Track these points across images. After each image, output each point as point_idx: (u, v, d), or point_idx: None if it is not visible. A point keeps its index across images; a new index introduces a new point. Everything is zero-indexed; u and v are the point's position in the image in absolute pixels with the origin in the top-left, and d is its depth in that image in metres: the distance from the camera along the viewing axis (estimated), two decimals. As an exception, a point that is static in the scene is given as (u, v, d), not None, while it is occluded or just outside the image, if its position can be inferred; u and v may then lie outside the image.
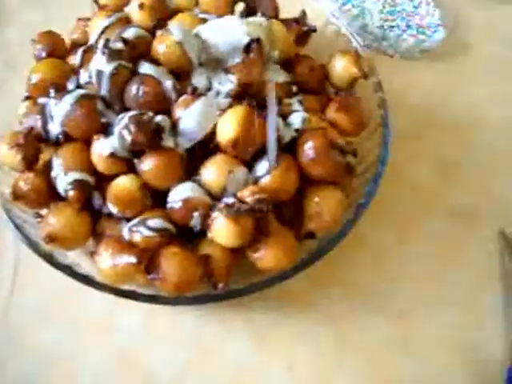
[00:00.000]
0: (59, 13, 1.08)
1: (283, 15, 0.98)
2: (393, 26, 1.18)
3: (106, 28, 0.88)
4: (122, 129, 0.76)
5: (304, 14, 0.97)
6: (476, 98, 1.14)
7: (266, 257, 0.77)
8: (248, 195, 0.75)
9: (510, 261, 0.93)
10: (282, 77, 0.88)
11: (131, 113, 0.77)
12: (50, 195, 0.82)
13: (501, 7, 1.27)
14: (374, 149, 0.90)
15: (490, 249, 0.96)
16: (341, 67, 0.93)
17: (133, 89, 0.79)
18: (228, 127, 0.76)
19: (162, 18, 0.90)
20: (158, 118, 0.77)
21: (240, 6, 0.92)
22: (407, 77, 1.14)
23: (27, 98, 0.91)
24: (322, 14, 1.03)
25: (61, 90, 0.84)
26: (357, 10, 1.19)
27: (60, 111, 0.81)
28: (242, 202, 0.75)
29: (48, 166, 0.82)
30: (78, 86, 0.86)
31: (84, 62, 0.87)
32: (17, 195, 0.81)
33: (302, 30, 0.95)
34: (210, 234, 0.77)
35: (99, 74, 0.81)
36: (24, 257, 0.90)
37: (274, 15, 0.96)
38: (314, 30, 0.97)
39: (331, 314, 0.89)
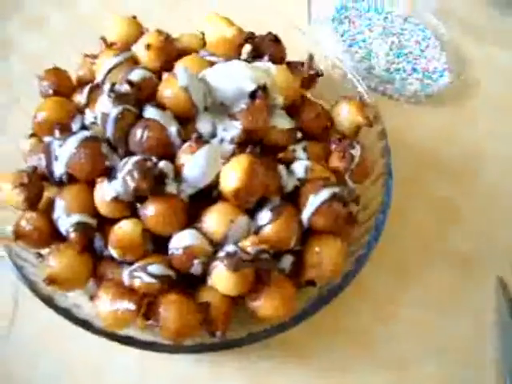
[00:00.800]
0: (62, 44, 1.07)
1: (290, 57, 0.98)
2: (399, 69, 1.18)
3: (113, 68, 0.88)
4: (126, 175, 0.76)
5: (311, 57, 0.97)
6: (479, 141, 1.14)
7: (265, 306, 0.77)
8: (249, 245, 0.75)
9: (507, 309, 0.92)
10: (286, 123, 0.88)
11: (135, 158, 0.77)
12: (51, 235, 0.82)
13: (506, 50, 1.28)
14: (376, 196, 0.90)
15: (489, 296, 0.95)
16: (345, 115, 0.93)
17: (137, 133, 0.80)
18: (231, 177, 0.76)
19: (168, 59, 0.90)
20: (162, 164, 0.77)
21: (247, 48, 0.92)
22: (411, 121, 1.14)
23: (32, 135, 0.91)
24: (328, 57, 1.03)
25: (66, 130, 0.84)
26: (363, 51, 1.20)
27: (64, 152, 0.81)
28: (243, 251, 0.75)
29: (50, 206, 0.82)
30: (83, 126, 0.86)
31: (90, 102, 0.87)
32: (18, 234, 0.81)
33: (308, 73, 0.95)
34: (210, 282, 0.77)
35: (104, 116, 0.81)
36: (23, 294, 0.89)
37: (281, 59, 0.96)
38: (321, 75, 0.97)
39: (331, 363, 0.88)
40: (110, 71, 0.88)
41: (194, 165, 0.77)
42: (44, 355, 0.87)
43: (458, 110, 1.19)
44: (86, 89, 0.89)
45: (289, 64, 0.95)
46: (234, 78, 0.83)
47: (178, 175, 0.79)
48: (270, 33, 0.97)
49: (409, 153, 1.04)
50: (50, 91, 0.92)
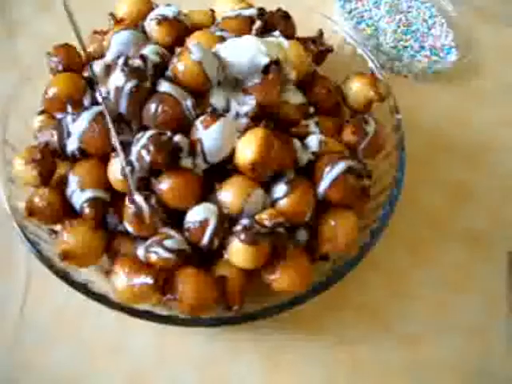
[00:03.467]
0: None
1: (299, 33, 0.98)
2: (406, 47, 1.18)
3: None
4: (141, 148, 0.76)
5: (321, 33, 0.97)
6: (488, 120, 1.14)
7: (282, 279, 0.77)
8: (267, 218, 0.75)
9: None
10: (298, 98, 0.88)
11: (150, 132, 0.77)
12: (64, 211, 0.81)
13: (512, 30, 1.28)
14: (388, 172, 0.90)
15: (501, 273, 0.96)
16: (357, 89, 0.93)
17: (151, 107, 0.79)
18: (248, 150, 0.76)
19: (180, 34, 0.89)
20: (177, 138, 0.77)
21: (257, 24, 0.91)
22: (419, 98, 1.14)
23: (42, 112, 0.90)
24: (337, 33, 1.03)
25: (77, 106, 0.84)
26: (371, 29, 1.20)
27: (77, 128, 0.80)
28: (260, 224, 0.74)
29: (63, 182, 0.82)
30: (95, 101, 0.86)
31: (101, 77, 0.86)
32: (31, 211, 0.80)
33: (319, 49, 0.95)
34: (226, 256, 0.77)
35: (118, 91, 0.80)
36: (36, 273, 0.89)
37: (291, 35, 0.95)
38: (331, 50, 0.97)
39: (343, 338, 0.88)
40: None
41: (210, 138, 0.77)
42: (60, 337, 0.87)
43: (466, 88, 1.19)
44: (100, 64, 0.87)
45: (299, 40, 0.94)
46: (248, 53, 0.83)
47: (192, 149, 0.78)
48: (279, 9, 0.97)
49: (418, 130, 1.04)
50: (60, 67, 0.91)
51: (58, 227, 0.83)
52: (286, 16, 0.96)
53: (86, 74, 0.91)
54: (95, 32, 0.97)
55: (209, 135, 0.77)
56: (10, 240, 0.88)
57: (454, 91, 1.18)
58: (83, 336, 0.87)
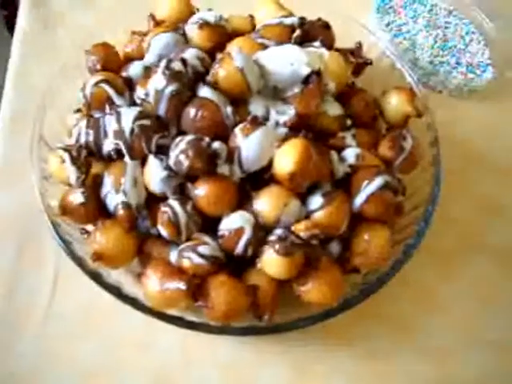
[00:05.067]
0: (111, 20, 1.06)
1: (337, 44, 0.98)
2: (443, 62, 1.17)
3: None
4: (180, 153, 0.75)
5: (360, 45, 0.97)
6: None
7: (313, 291, 0.77)
8: (302, 230, 0.75)
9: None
10: (336, 109, 0.87)
11: (189, 137, 0.77)
12: (98, 212, 0.81)
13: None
14: (422, 187, 0.90)
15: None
16: (395, 104, 0.92)
17: (191, 112, 0.79)
18: (286, 160, 0.76)
19: (220, 39, 0.89)
20: (216, 144, 0.77)
21: (297, 32, 0.91)
22: (454, 114, 1.14)
23: (78, 110, 0.90)
24: (375, 46, 1.03)
25: (115, 106, 0.84)
26: (408, 43, 1.19)
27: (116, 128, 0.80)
28: (295, 235, 0.74)
29: (97, 182, 0.81)
30: (132, 102, 0.86)
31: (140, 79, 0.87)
32: (65, 210, 0.81)
33: (358, 61, 0.94)
34: (259, 265, 0.77)
35: (158, 94, 0.80)
36: (64, 269, 0.89)
37: (331, 45, 0.95)
38: (370, 63, 0.96)
39: (370, 351, 0.88)
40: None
41: (249, 146, 0.77)
42: (87, 331, 0.88)
43: (501, 106, 1.18)
44: (139, 65, 0.87)
45: (338, 51, 0.94)
46: (288, 62, 0.83)
47: (230, 156, 0.78)
48: (320, 19, 0.96)
49: (452, 146, 1.03)
50: (98, 66, 0.91)
51: (90, 227, 0.82)
52: (326, 26, 0.96)
53: (124, 74, 0.90)
54: (134, 32, 0.97)
55: (248, 143, 0.77)
56: (40, 233, 0.87)
57: (489, 108, 1.17)
58: (111, 332, 0.88)
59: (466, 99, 1.18)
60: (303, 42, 0.92)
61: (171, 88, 0.79)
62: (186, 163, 0.75)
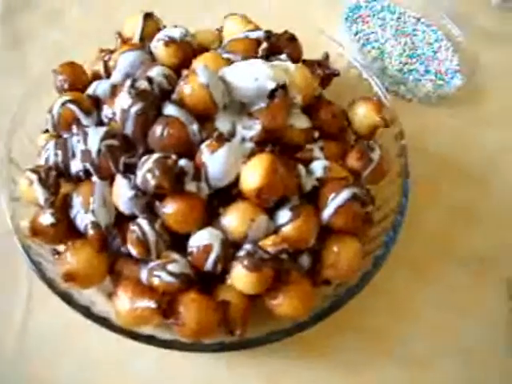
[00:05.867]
0: (79, 38, 1.06)
1: (305, 56, 0.99)
2: (411, 70, 1.19)
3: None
4: (146, 172, 0.76)
5: (327, 56, 0.97)
6: (492, 144, 1.15)
7: (284, 304, 0.77)
8: (270, 245, 0.75)
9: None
10: (303, 122, 0.88)
11: (155, 156, 0.77)
12: (68, 232, 0.81)
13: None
14: (392, 197, 0.90)
15: (505, 297, 0.96)
16: (363, 115, 0.93)
17: (157, 130, 0.79)
18: (253, 176, 0.76)
19: (186, 56, 0.90)
20: (182, 162, 0.77)
21: (263, 45, 0.91)
22: (424, 122, 1.15)
23: (46, 130, 0.90)
24: (343, 57, 1.04)
25: (82, 126, 0.84)
26: (377, 52, 1.20)
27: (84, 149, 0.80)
28: (263, 250, 0.75)
29: (67, 203, 0.82)
30: (100, 122, 0.86)
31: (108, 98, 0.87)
32: (35, 231, 0.80)
33: (325, 73, 0.95)
34: (229, 281, 0.78)
35: (124, 113, 0.80)
36: (38, 288, 0.88)
37: (298, 57, 0.96)
38: (337, 74, 0.97)
39: (345, 362, 0.89)
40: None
41: (215, 163, 0.77)
42: (63, 351, 0.88)
43: (471, 112, 1.20)
44: (106, 84, 0.88)
45: (305, 62, 0.95)
46: (254, 77, 0.83)
47: (197, 173, 0.78)
48: (286, 31, 0.97)
49: (423, 154, 1.04)
50: (66, 86, 0.91)
51: (61, 248, 0.83)
52: (292, 38, 0.96)
53: (91, 93, 0.90)
54: (102, 50, 0.97)
55: (214, 160, 0.77)
56: (13, 252, 0.87)
57: (459, 115, 1.19)
58: (86, 352, 0.88)
59: (435, 106, 1.19)
60: (270, 55, 0.92)
61: (137, 107, 0.79)
62: (152, 182, 0.75)
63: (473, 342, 0.92)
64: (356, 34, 1.23)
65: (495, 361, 0.91)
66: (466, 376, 0.89)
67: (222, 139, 0.79)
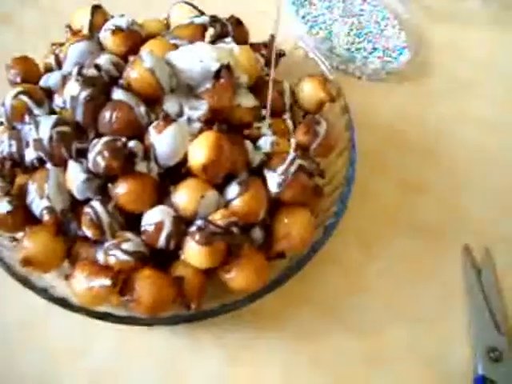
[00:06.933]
0: (30, 36, 1.08)
1: (253, 39, 1.01)
2: (359, 49, 1.21)
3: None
4: (97, 155, 0.78)
5: (273, 38, 0.99)
6: (439, 117, 1.18)
7: (238, 278, 0.80)
8: (219, 218, 0.77)
9: (473, 275, 0.95)
10: (250, 101, 0.90)
11: (104, 139, 0.79)
12: (25, 219, 0.83)
13: (463, 30, 1.32)
14: (341, 170, 0.93)
15: (456, 265, 0.98)
16: (308, 91, 0.95)
17: (106, 115, 0.81)
18: (199, 153, 0.78)
19: (134, 43, 0.91)
20: (131, 143, 0.79)
21: (210, 31, 0.94)
22: (373, 97, 1.17)
23: (1, 123, 0.92)
24: (290, 38, 1.06)
25: (34, 116, 0.86)
26: (324, 32, 1.22)
27: (36, 137, 0.82)
28: (213, 224, 0.77)
29: (23, 191, 0.83)
30: (52, 111, 0.88)
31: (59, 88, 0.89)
32: (-7, 220, 0.82)
33: (270, 54, 0.97)
34: (182, 256, 0.80)
35: (73, 100, 0.82)
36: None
37: (245, 40, 0.98)
38: (283, 55, 1.00)
39: (303, 333, 0.91)
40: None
41: (163, 143, 0.79)
42: (24, 340, 0.89)
43: (418, 87, 1.22)
44: (57, 75, 0.90)
45: (252, 45, 0.97)
46: (199, 59, 0.85)
47: (147, 154, 0.81)
48: (232, 16, 0.99)
49: (371, 128, 1.06)
50: (18, 79, 0.93)
51: (19, 235, 0.84)
52: (238, 22, 0.99)
53: (43, 85, 0.92)
54: (53, 44, 0.99)
55: (161, 140, 0.79)
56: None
57: (407, 90, 1.21)
58: (46, 342, 0.89)
59: (384, 82, 1.21)
60: (217, 39, 0.94)
61: (85, 93, 0.81)
62: (102, 163, 0.77)
63: (426, 311, 0.94)
64: (303, 16, 1.25)
65: (451, 328, 0.93)
66: (423, 339, 0.91)
67: (169, 120, 0.81)
